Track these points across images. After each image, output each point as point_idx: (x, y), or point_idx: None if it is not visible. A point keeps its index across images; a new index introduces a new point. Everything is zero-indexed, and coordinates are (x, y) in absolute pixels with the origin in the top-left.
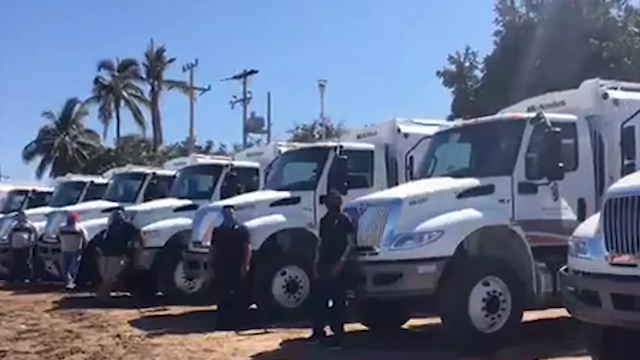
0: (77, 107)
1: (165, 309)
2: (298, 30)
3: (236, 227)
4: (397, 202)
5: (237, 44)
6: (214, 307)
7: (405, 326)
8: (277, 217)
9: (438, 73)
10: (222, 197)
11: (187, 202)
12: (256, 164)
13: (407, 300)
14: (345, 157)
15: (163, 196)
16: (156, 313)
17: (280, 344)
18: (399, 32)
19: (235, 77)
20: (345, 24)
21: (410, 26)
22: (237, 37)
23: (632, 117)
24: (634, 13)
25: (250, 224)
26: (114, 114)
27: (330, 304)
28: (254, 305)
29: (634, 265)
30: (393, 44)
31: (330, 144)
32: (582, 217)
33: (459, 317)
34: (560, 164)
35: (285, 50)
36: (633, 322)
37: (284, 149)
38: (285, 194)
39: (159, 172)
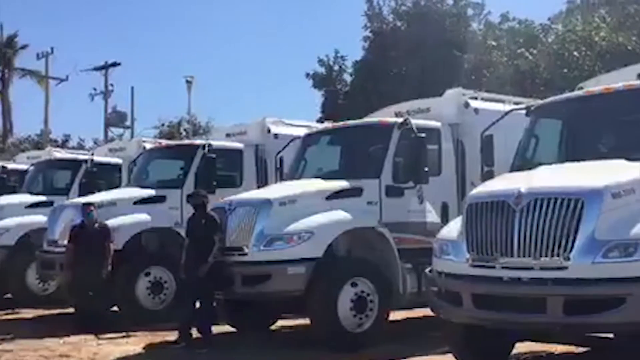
0: None
1: (16, 312)
2: (164, 24)
3: (96, 225)
4: (266, 203)
5: (98, 34)
6: (71, 309)
7: (274, 327)
8: (141, 216)
9: (307, 75)
10: (81, 194)
11: (42, 198)
12: (118, 160)
13: (277, 301)
14: (214, 155)
15: (14, 192)
16: (6, 317)
17: (144, 348)
18: (270, 33)
19: (95, 69)
20: (214, 20)
21: (281, 27)
22: (99, 27)
23: (491, 126)
24: (493, 28)
25: (112, 222)
26: None
27: (198, 305)
28: (115, 308)
29: (493, 267)
30: (264, 44)
31: (198, 141)
32: (445, 220)
33: (328, 317)
34: (426, 169)
35: (150, 44)
36: (491, 320)
37: (148, 145)
38: (150, 192)
39: (10, 165)
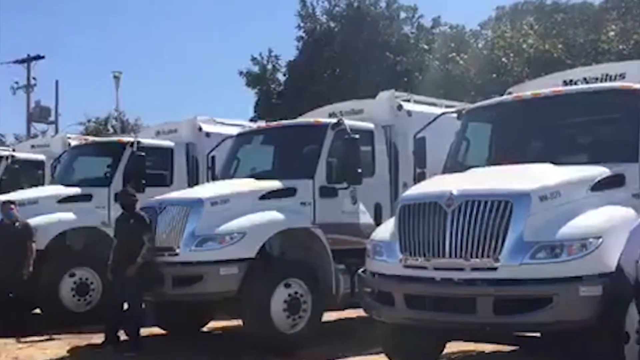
0: None
1: None
2: (92, 18)
3: (17, 224)
4: (198, 202)
5: (21, 26)
6: None
7: (205, 329)
8: (66, 215)
9: (241, 73)
10: (1, 192)
11: None
12: (41, 157)
13: (208, 303)
14: (143, 153)
15: None
16: None
17: (68, 352)
18: (203, 30)
19: (17, 62)
20: (144, 14)
21: (215, 24)
22: (22, 19)
23: (424, 128)
24: (425, 31)
25: (34, 221)
26: None
27: (125, 307)
28: (37, 310)
29: (425, 268)
30: (196, 41)
31: (126, 139)
32: (378, 221)
33: (261, 318)
34: (359, 170)
35: (76, 37)
36: (423, 320)
37: (74, 142)
38: (76, 190)
39: None
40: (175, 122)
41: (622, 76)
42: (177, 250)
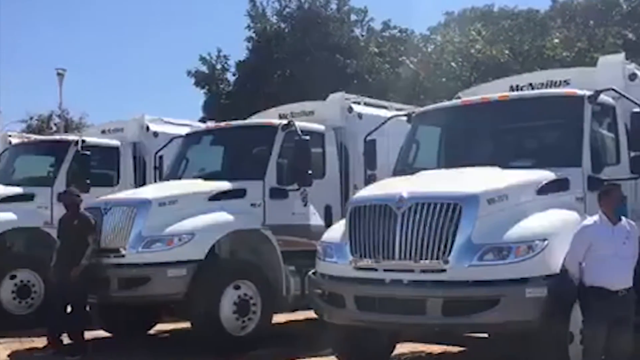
0: None
1: None
2: (35, 14)
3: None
4: (145, 203)
5: None
6: None
7: (152, 331)
8: (6, 215)
9: (189, 73)
10: None
11: None
12: None
13: (155, 305)
14: (88, 152)
15: None
16: None
17: (9, 356)
18: (151, 28)
19: None
20: (89, 11)
21: (163, 22)
22: None
23: (374, 130)
24: (375, 35)
25: None
26: None
27: (69, 309)
28: None
29: (375, 269)
30: (144, 39)
31: (70, 137)
32: (329, 222)
33: (210, 320)
34: (310, 171)
35: (18, 33)
36: (373, 321)
37: (15, 140)
38: (17, 190)
39: None
40: (121, 120)
41: (566, 82)
42: (124, 252)
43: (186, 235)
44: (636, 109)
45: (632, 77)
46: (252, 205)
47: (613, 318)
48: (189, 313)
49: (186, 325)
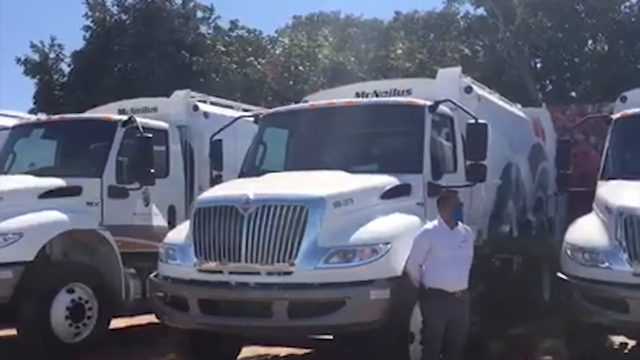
0: None
1: None
2: None
3: None
4: None
5: None
6: None
7: None
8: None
9: (18, 61)
10: None
11: None
12: None
13: None
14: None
15: None
16: None
17: None
18: None
19: None
20: None
21: None
22: None
23: (220, 130)
24: (222, 33)
25: None
26: None
27: None
28: None
29: (220, 272)
30: None
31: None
32: (172, 223)
33: (39, 327)
34: (152, 170)
35: None
36: (218, 325)
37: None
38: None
39: None
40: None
41: (409, 92)
42: None
43: (13, 235)
44: (471, 121)
45: (468, 90)
46: (88, 204)
47: (450, 318)
48: (16, 319)
49: (12, 332)
